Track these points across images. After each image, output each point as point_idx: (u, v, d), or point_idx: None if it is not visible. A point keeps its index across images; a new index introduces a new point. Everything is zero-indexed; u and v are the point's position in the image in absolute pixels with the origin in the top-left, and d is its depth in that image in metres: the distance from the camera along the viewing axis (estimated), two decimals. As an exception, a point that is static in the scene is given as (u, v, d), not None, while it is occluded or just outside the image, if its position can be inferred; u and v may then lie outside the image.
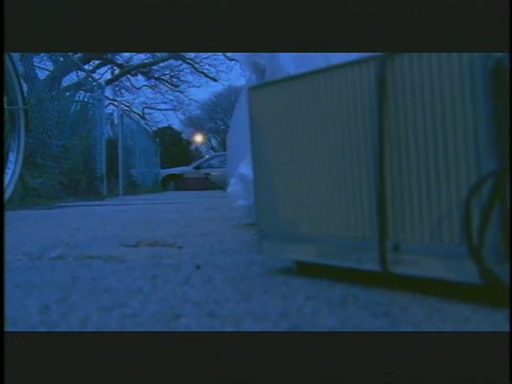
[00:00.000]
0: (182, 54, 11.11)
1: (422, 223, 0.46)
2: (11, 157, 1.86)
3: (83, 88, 5.56)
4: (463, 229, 0.42)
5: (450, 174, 0.43)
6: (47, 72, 4.57)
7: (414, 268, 0.46)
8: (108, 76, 11.43)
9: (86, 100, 5.61)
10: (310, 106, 0.55)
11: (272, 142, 0.59)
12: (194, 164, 10.25)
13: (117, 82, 12.05)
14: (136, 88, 12.87)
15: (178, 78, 13.02)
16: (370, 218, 0.50)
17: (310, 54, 0.84)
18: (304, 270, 0.59)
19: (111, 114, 7.70)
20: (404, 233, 0.47)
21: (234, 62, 11.49)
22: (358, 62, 0.50)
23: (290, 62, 1.01)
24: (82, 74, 5.66)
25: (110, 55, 10.39)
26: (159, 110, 14.77)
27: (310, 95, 0.55)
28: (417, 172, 0.46)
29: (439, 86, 0.44)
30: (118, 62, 11.40)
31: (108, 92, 9.53)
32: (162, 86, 13.20)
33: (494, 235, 0.41)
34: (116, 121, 7.21)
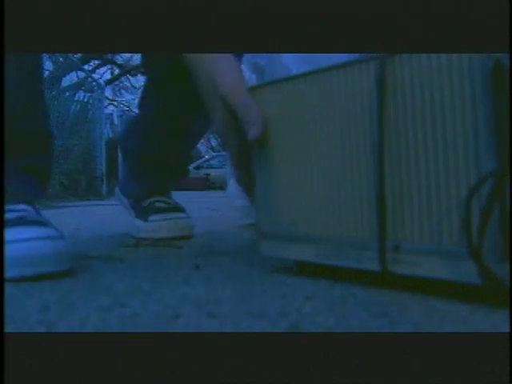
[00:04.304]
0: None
1: (421, 223, 0.46)
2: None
3: (83, 88, 5.56)
4: (463, 228, 0.42)
5: (450, 174, 0.43)
6: (47, 72, 4.57)
7: (414, 268, 0.46)
8: (108, 76, 11.42)
9: (85, 100, 5.61)
10: (309, 106, 0.55)
11: (271, 141, 0.59)
12: (194, 164, 10.24)
13: (116, 82, 12.04)
14: (136, 88, 12.87)
15: (178, 78, 12.97)
16: (369, 217, 0.50)
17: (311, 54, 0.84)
18: (303, 269, 0.59)
19: (111, 114, 7.69)
20: (404, 233, 0.47)
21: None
22: (357, 61, 0.50)
23: (290, 62, 1.01)
24: (81, 74, 5.65)
25: (109, 55, 10.38)
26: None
27: (310, 95, 0.55)
28: (416, 172, 0.46)
29: (439, 86, 0.44)
30: (118, 62, 11.39)
31: (108, 92, 9.52)
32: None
33: (494, 235, 0.41)
34: (116, 121, 7.21)
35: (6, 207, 0.64)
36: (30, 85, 0.74)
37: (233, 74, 0.60)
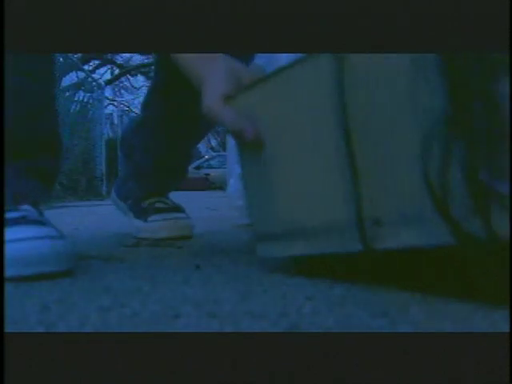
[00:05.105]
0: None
1: (396, 194, 0.46)
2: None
3: (83, 88, 5.56)
4: (426, 189, 0.42)
5: (414, 144, 0.44)
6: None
7: (395, 240, 0.46)
8: (108, 76, 11.43)
9: (85, 100, 5.61)
10: (280, 105, 0.56)
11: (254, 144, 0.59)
12: (194, 164, 10.24)
13: (116, 82, 12.05)
14: (136, 88, 12.87)
15: (177, 79, 12.94)
16: (347, 199, 0.50)
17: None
18: (300, 265, 0.59)
19: (111, 114, 7.70)
20: (382, 207, 0.47)
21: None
22: (314, 56, 0.51)
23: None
24: (81, 74, 5.65)
25: (109, 55, 10.38)
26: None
27: (277, 95, 0.56)
28: (386, 149, 0.46)
29: (396, 70, 0.45)
30: (118, 62, 11.40)
31: (108, 92, 9.52)
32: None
33: (458, 189, 0.41)
34: (116, 121, 7.22)
35: (10, 207, 0.65)
36: (44, 87, 0.74)
37: (214, 89, 0.60)
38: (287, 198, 0.57)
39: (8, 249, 0.56)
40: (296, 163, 0.55)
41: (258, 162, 0.60)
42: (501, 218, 0.39)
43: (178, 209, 1.04)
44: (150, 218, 1.01)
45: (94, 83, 5.94)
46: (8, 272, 0.55)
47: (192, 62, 0.63)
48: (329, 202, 0.52)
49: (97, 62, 10.67)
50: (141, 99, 1.17)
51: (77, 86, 5.42)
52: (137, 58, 11.26)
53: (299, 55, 0.55)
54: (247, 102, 0.59)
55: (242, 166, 0.64)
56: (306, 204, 0.55)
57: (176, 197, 1.10)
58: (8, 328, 0.38)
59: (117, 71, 11.69)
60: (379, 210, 0.48)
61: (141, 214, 1.03)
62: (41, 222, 0.64)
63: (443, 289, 0.47)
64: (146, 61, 11.22)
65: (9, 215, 0.63)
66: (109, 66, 11.71)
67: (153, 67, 1.08)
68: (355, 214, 0.49)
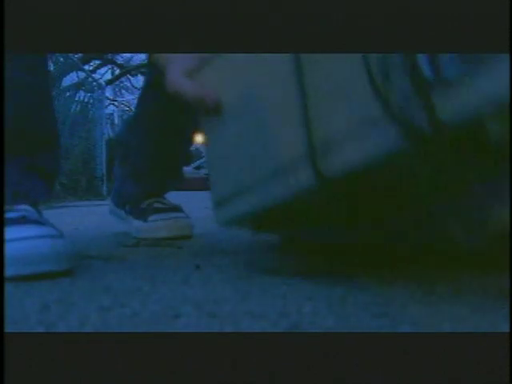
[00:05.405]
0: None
1: (344, 111, 0.46)
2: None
3: (83, 88, 5.56)
4: (373, 92, 0.43)
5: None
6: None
7: (344, 161, 0.46)
8: (108, 76, 11.42)
9: (86, 100, 5.61)
10: (240, 74, 0.58)
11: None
12: (195, 164, 10.22)
13: (117, 82, 12.04)
14: (137, 88, 12.86)
15: (178, 79, 12.93)
16: (299, 132, 0.50)
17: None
18: (259, 223, 0.60)
19: (111, 115, 7.71)
20: (331, 129, 0.48)
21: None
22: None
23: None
24: (82, 74, 5.65)
25: (110, 55, 10.37)
26: (159, 110, 14.69)
27: (237, 67, 0.58)
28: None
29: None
30: (119, 62, 11.39)
31: (108, 92, 9.52)
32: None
33: (403, 85, 0.41)
34: (116, 121, 7.22)
35: (9, 207, 0.65)
36: (40, 85, 0.74)
37: (177, 64, 0.62)
38: (244, 157, 0.58)
39: (8, 248, 0.56)
40: (253, 126, 0.57)
41: (219, 134, 0.62)
42: (444, 104, 0.39)
43: (176, 209, 1.04)
44: (149, 218, 1.01)
45: (94, 83, 5.94)
46: (8, 271, 0.55)
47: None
48: (282, 146, 0.53)
49: (97, 62, 10.66)
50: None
51: (77, 86, 5.41)
52: (137, 58, 11.24)
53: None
54: (209, 75, 0.61)
55: (206, 143, 0.65)
56: (261, 156, 0.56)
57: (176, 197, 1.10)
58: (8, 328, 0.38)
59: (117, 71, 11.68)
60: (329, 134, 0.48)
61: (140, 214, 1.03)
62: (40, 222, 0.64)
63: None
64: (146, 61, 11.20)
65: (8, 215, 0.63)
66: (109, 66, 11.70)
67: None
68: (306, 144, 0.49)
